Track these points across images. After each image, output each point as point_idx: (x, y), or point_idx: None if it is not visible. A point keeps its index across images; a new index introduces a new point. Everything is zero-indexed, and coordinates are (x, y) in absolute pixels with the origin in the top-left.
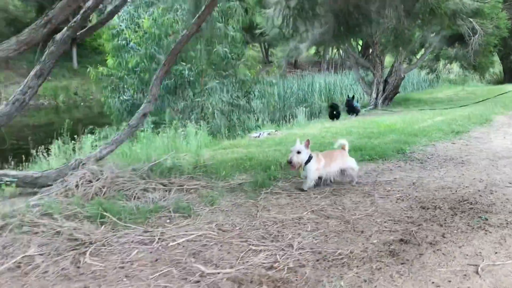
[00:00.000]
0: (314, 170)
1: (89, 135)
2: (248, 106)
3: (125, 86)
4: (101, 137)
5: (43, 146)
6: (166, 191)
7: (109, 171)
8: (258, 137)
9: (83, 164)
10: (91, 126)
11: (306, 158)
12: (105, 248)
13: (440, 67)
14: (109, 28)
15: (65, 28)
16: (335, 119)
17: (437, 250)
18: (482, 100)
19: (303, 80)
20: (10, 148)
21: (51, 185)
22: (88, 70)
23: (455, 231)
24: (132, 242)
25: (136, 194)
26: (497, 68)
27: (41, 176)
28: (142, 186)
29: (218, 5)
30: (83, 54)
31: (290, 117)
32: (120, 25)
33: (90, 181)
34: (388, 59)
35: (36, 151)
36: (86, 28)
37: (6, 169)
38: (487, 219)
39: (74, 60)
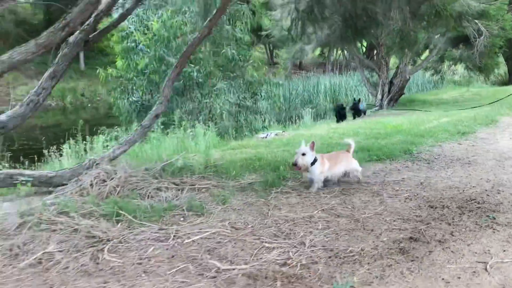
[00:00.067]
0: (319, 174)
1: (100, 135)
2: (255, 107)
3: (134, 88)
4: (112, 138)
5: (55, 147)
6: (179, 190)
7: (123, 170)
8: (266, 137)
9: (97, 164)
10: (103, 127)
11: (311, 160)
12: (123, 245)
13: (444, 68)
14: (118, 30)
15: (78, 31)
16: (341, 120)
17: (446, 247)
18: (495, 101)
19: (308, 82)
20: (21, 149)
21: (66, 184)
22: (97, 71)
23: (463, 229)
24: (148, 239)
25: (150, 193)
26: (502, 69)
27: (56, 175)
28: (155, 185)
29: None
30: (90, 56)
31: (296, 118)
32: (129, 27)
33: (104, 181)
34: (392, 61)
35: (48, 151)
36: (98, 31)
37: (21, 169)
38: (494, 218)
39: (81, 61)
